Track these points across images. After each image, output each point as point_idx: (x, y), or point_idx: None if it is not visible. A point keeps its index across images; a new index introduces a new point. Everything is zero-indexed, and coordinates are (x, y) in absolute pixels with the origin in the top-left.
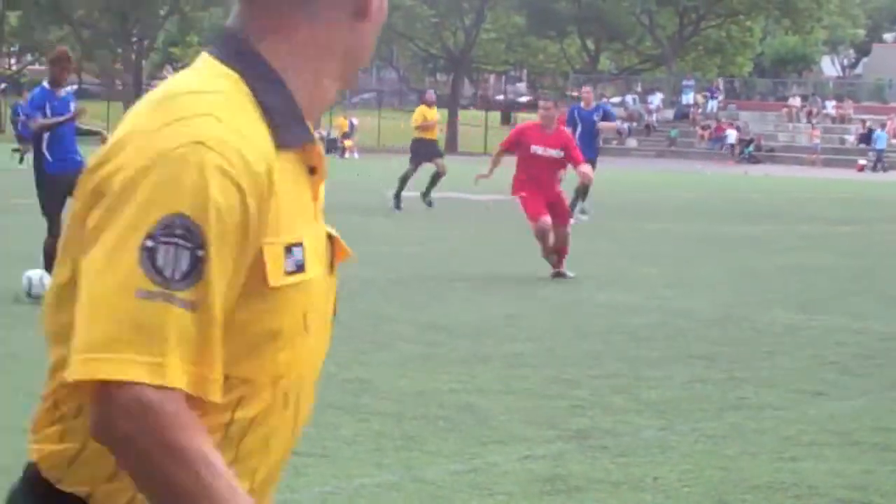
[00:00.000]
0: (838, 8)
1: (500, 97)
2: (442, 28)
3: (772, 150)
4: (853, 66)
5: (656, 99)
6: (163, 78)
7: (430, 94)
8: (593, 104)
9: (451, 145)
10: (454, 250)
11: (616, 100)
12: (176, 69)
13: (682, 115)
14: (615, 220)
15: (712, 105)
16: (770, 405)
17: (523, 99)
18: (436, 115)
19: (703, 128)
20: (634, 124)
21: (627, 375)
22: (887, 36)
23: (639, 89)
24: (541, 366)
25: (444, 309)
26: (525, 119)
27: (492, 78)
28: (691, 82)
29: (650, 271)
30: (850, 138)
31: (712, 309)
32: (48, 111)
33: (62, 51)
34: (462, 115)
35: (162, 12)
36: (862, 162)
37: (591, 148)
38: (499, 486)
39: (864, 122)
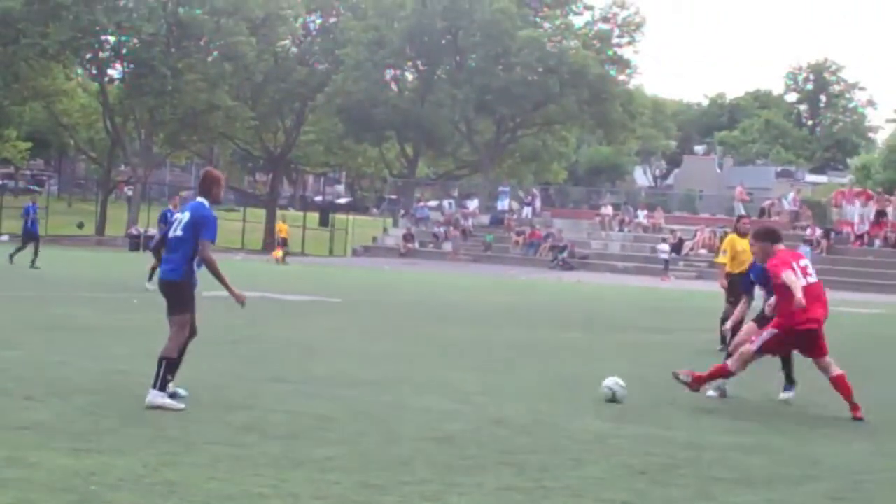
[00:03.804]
0: (651, 120)
1: (319, 198)
2: (262, 129)
3: (585, 256)
4: (664, 176)
5: (473, 204)
6: None
7: (744, 222)
8: None
9: (270, 245)
10: (267, 350)
11: (433, 204)
12: None
13: (498, 220)
14: (429, 323)
15: (527, 211)
16: None
17: (342, 200)
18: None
19: (518, 233)
20: (451, 228)
21: (437, 482)
22: (698, 148)
23: (455, 194)
24: (351, 471)
25: (255, 410)
26: (342, 220)
27: (311, 178)
28: (507, 188)
29: (463, 376)
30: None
31: (524, 416)
32: None
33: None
34: (280, 215)
35: None
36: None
37: None
38: None
39: (673, 232)
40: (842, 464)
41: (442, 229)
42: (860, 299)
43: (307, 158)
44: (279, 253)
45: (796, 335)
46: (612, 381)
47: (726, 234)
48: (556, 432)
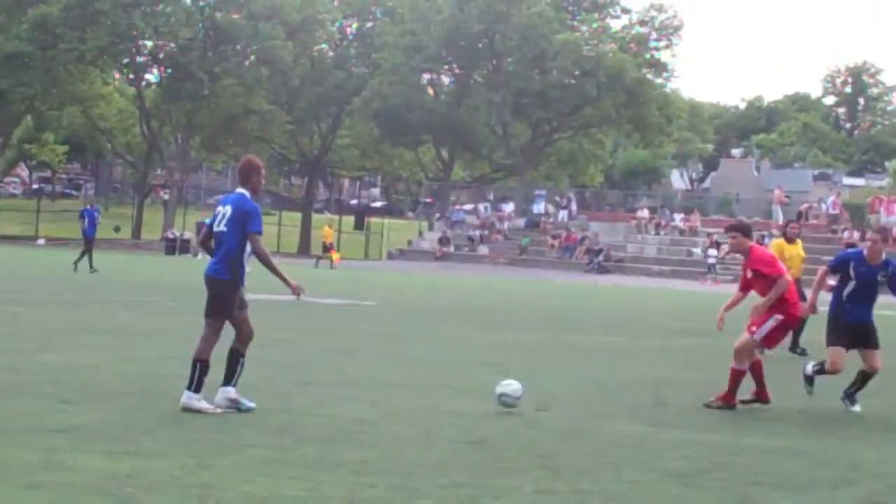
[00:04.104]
0: (687, 123)
1: (355, 201)
2: (298, 133)
3: (621, 260)
4: (701, 179)
5: (508, 207)
6: (17, 175)
7: (793, 227)
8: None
9: (304, 248)
10: (302, 353)
11: (469, 207)
12: (30, 167)
13: (534, 223)
14: (464, 327)
15: (563, 215)
16: None
17: (377, 204)
18: (799, 251)
19: (554, 237)
20: (486, 231)
21: (473, 485)
22: (735, 151)
23: (491, 197)
24: (387, 473)
25: (290, 413)
26: (378, 223)
27: (346, 182)
28: (543, 192)
29: (498, 379)
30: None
31: (560, 419)
32: None
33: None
34: (316, 218)
35: (22, 108)
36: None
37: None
38: None
39: (710, 235)
40: (879, 468)
41: (477, 233)
42: None
43: (343, 162)
44: (335, 255)
45: (793, 322)
46: (512, 389)
47: (763, 238)
48: (592, 436)
